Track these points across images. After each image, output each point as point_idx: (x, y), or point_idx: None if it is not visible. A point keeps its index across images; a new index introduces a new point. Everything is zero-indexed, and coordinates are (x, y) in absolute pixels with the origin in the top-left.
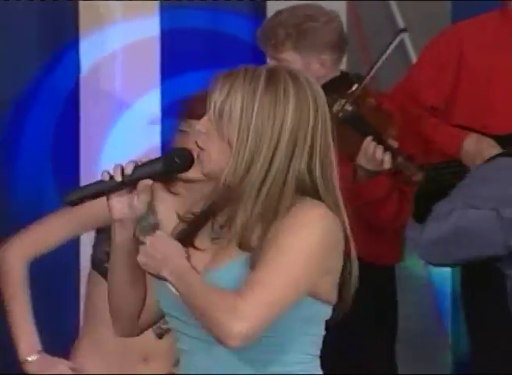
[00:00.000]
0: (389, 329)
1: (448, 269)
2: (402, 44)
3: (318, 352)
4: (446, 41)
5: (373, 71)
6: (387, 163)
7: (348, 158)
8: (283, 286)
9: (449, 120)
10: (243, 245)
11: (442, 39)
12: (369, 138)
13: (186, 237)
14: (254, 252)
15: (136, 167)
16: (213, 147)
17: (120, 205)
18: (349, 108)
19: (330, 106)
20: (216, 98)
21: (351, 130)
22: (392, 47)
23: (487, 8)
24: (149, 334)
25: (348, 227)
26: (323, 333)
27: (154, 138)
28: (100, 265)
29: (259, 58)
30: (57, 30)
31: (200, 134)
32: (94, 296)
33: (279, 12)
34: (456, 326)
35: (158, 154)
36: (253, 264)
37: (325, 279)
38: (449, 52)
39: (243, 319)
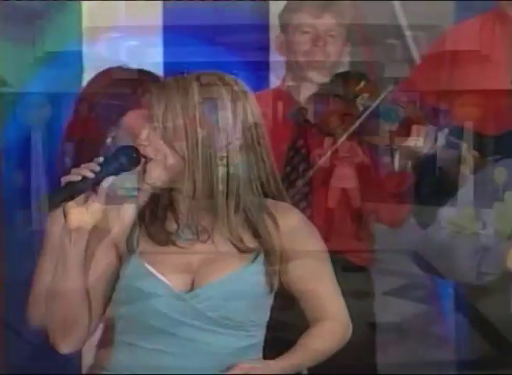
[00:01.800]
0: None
1: None
2: (404, 43)
3: None
4: (443, 42)
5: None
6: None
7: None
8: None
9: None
10: (242, 249)
11: (440, 41)
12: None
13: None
14: (265, 251)
15: (100, 164)
16: (161, 156)
17: (78, 212)
18: (370, 103)
19: (349, 100)
20: (157, 112)
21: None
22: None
23: (490, 8)
24: None
25: None
26: None
27: None
28: None
29: (261, 57)
30: (59, 30)
31: (144, 146)
32: None
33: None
34: (458, 325)
35: None
36: (269, 260)
37: None
38: (446, 54)
39: (346, 324)
